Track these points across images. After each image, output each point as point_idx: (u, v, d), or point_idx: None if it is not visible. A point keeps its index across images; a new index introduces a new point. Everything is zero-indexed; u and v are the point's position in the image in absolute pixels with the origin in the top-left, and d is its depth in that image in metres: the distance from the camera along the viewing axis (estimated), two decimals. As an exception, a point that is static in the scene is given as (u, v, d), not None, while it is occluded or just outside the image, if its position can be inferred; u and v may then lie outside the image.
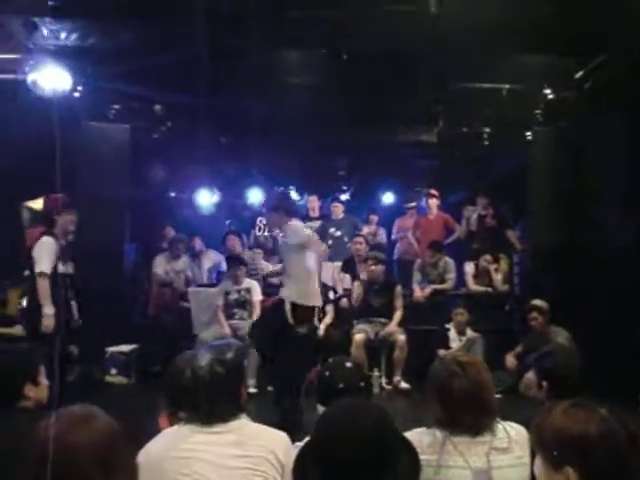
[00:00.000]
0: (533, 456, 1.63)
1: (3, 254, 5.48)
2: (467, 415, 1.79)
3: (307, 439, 1.51)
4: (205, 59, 4.94)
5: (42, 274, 4.11)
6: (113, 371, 5.66)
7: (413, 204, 8.35)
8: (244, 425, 1.87)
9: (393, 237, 8.16)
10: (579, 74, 5.30)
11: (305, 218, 7.08)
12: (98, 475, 1.22)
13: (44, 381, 2.15)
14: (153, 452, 1.79)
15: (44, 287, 4.10)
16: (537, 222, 6.37)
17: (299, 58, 5.79)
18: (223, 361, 1.89)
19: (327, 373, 2.01)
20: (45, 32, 4.83)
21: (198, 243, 7.27)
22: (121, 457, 1.29)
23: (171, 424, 2.08)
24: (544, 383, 2.30)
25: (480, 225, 7.07)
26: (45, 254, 4.15)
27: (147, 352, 5.88)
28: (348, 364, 2.02)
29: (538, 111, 5.97)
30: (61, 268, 4.29)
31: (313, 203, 7.71)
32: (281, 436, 1.89)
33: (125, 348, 5.78)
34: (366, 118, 6.44)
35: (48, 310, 4.07)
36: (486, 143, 6.63)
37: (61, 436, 1.22)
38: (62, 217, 4.34)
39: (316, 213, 7.67)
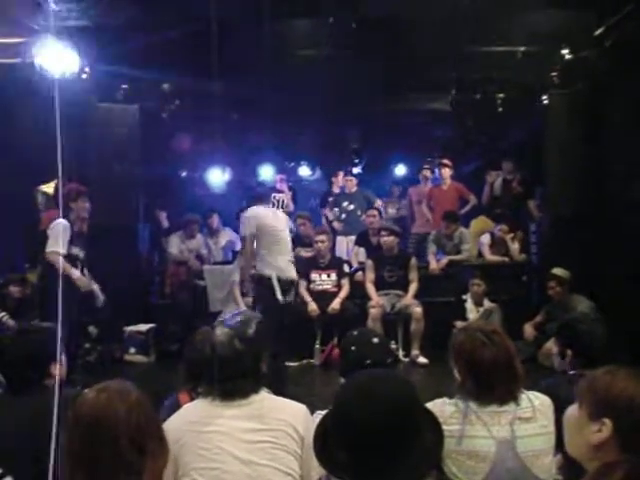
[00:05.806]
0: (558, 425, 1.61)
1: (20, 237, 5.56)
2: (499, 383, 1.77)
3: (327, 411, 1.49)
4: (213, 33, 4.84)
5: (54, 252, 4.17)
6: (132, 350, 5.75)
7: (425, 167, 7.93)
8: (264, 399, 1.86)
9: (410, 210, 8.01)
10: (599, 31, 4.99)
11: (328, 194, 7.81)
12: (131, 448, 1.30)
13: (64, 360, 2.18)
14: (173, 427, 1.79)
15: (58, 261, 4.13)
16: (554, 189, 6.23)
17: (308, 29, 5.66)
18: (244, 337, 1.87)
19: (353, 348, 1.97)
20: (49, 12, 4.76)
21: (215, 221, 7.24)
22: (154, 429, 1.38)
23: (191, 399, 2.09)
24: (568, 352, 2.25)
25: (505, 190, 6.94)
26: (59, 235, 4.22)
27: (164, 331, 5.95)
28: (375, 340, 1.97)
29: (554, 73, 5.74)
30: (74, 250, 4.40)
31: (339, 178, 7.98)
32: (301, 409, 1.88)
33: (143, 327, 5.86)
34: (377, 88, 6.31)
35: (74, 273, 4.29)
36: (500, 110, 6.45)
37: (101, 406, 1.32)
38: (77, 204, 4.50)
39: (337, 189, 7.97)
